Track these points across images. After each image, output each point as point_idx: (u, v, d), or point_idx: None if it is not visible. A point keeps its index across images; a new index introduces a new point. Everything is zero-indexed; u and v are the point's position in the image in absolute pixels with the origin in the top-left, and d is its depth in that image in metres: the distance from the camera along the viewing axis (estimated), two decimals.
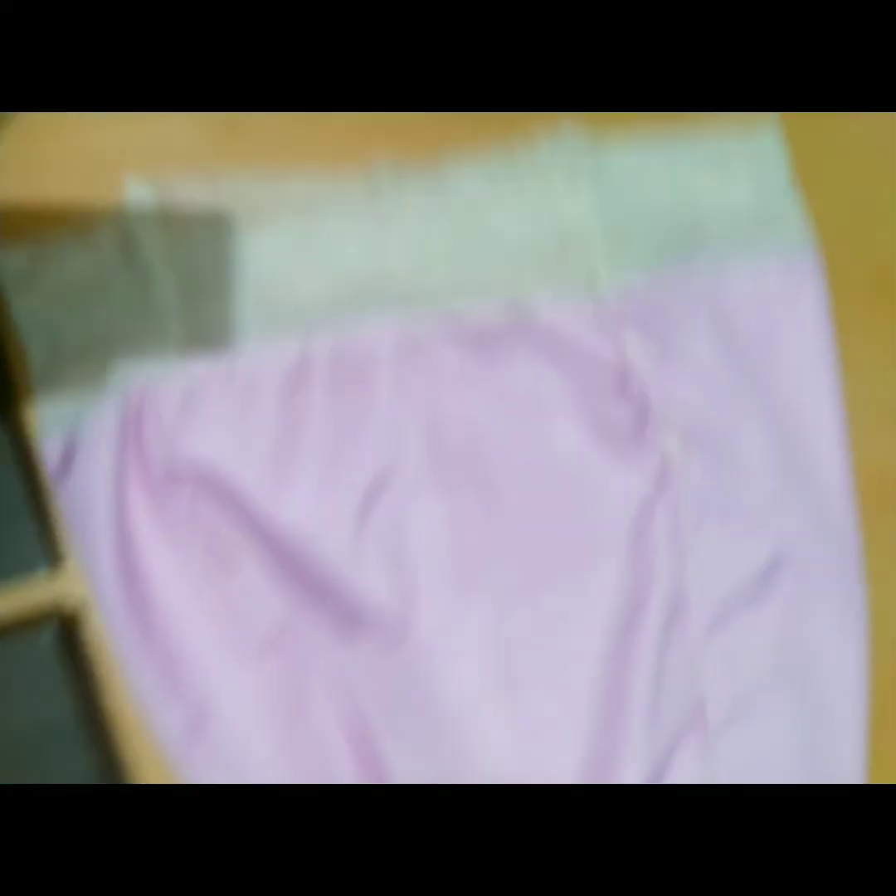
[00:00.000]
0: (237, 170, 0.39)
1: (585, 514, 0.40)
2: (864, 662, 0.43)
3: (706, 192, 0.44)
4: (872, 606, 0.44)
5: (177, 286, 0.37)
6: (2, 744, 0.36)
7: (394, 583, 0.38)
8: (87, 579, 0.36)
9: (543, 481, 0.40)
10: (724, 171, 0.44)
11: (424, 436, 0.39)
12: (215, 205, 0.38)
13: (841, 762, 0.42)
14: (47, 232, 0.36)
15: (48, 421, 0.36)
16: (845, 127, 0.47)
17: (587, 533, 0.40)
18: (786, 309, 0.44)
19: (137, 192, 0.37)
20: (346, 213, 0.39)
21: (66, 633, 0.37)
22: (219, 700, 0.37)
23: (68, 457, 0.36)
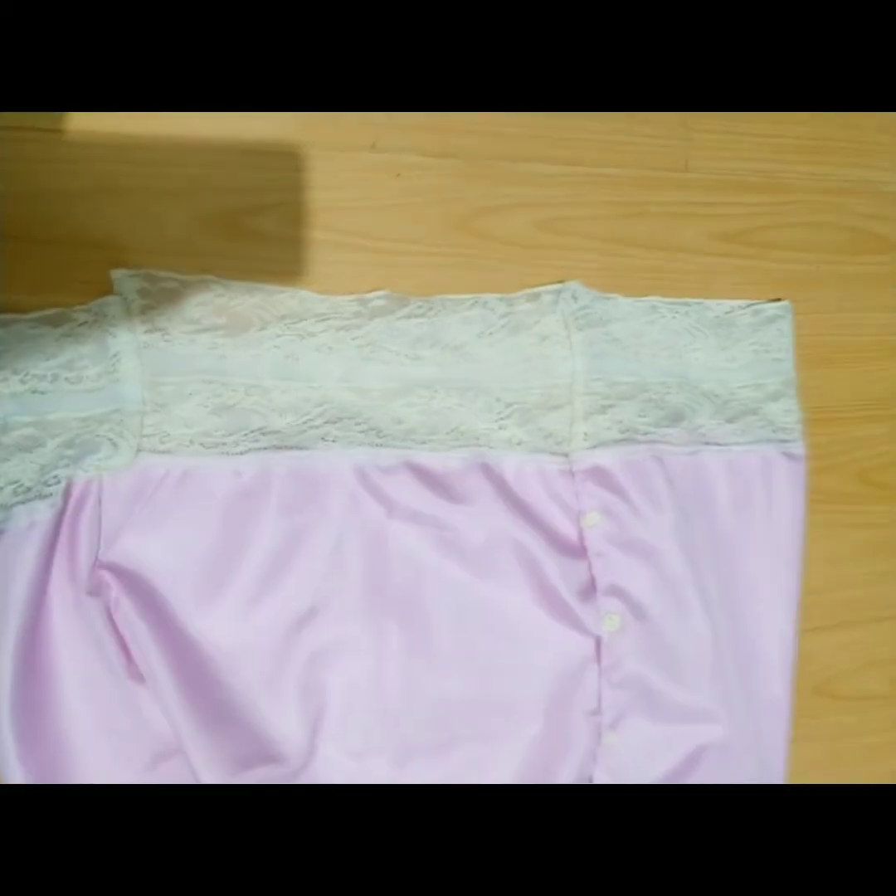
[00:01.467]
0: (231, 274, 0.38)
1: (512, 673, 0.39)
2: None
3: (703, 369, 0.44)
4: None
5: (146, 382, 0.36)
6: None
7: (304, 716, 0.37)
8: None
9: (477, 631, 0.39)
10: (727, 351, 0.44)
11: (366, 567, 0.38)
12: (201, 306, 0.37)
13: None
14: (22, 306, 0.35)
15: None
16: (855, 323, 0.47)
17: (509, 692, 0.39)
18: (762, 507, 0.43)
19: (122, 280, 0.36)
20: (333, 333, 0.38)
21: None
22: None
23: None
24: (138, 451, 0.35)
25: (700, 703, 0.42)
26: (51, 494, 0.34)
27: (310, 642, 0.37)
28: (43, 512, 0.34)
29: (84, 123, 0.36)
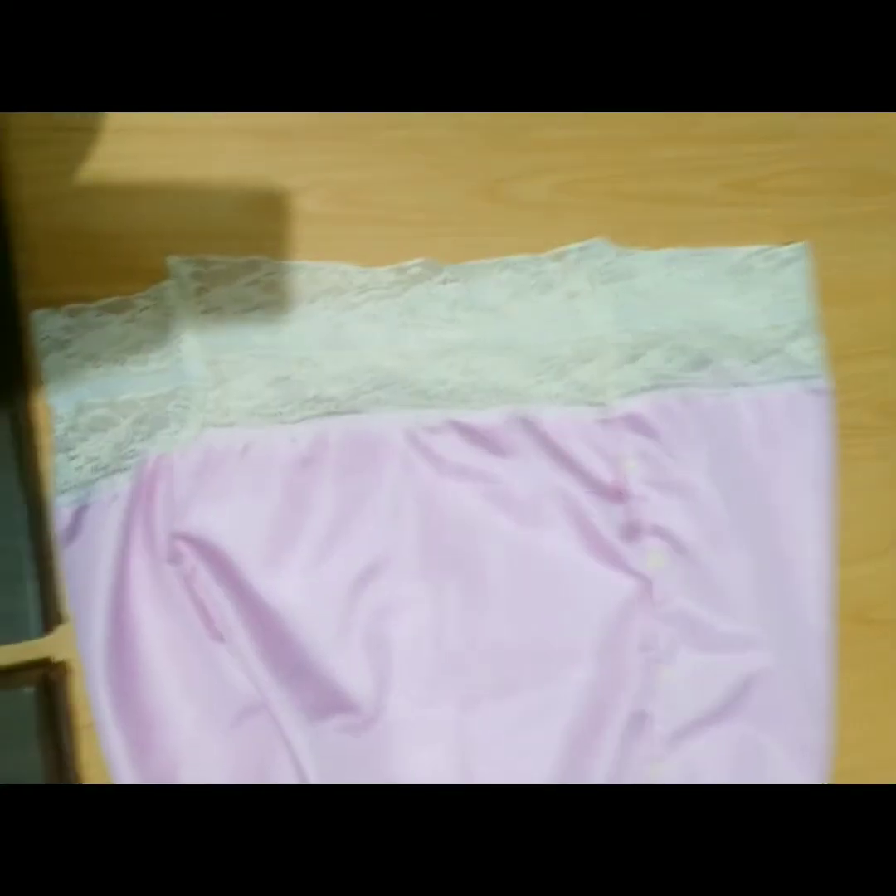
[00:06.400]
0: (276, 253, 0.40)
1: (564, 617, 0.42)
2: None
3: (725, 315, 0.46)
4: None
5: (207, 359, 0.38)
6: None
7: (372, 668, 0.39)
8: (76, 640, 0.36)
9: (529, 579, 0.41)
10: (746, 295, 0.46)
11: (421, 524, 0.40)
12: (251, 285, 0.39)
13: None
14: (88, 296, 0.37)
15: (64, 483, 0.36)
16: (866, 261, 0.49)
17: (563, 635, 0.42)
18: (790, 441, 0.45)
19: (177, 266, 0.38)
20: (375, 303, 0.41)
21: (48, 689, 0.38)
22: (185, 769, 0.37)
23: (78, 520, 0.36)
24: (204, 425, 0.38)
25: (745, 632, 0.44)
26: (128, 467, 0.37)
27: (372, 599, 0.39)
28: (122, 484, 0.36)
29: (128, 121, 0.38)
